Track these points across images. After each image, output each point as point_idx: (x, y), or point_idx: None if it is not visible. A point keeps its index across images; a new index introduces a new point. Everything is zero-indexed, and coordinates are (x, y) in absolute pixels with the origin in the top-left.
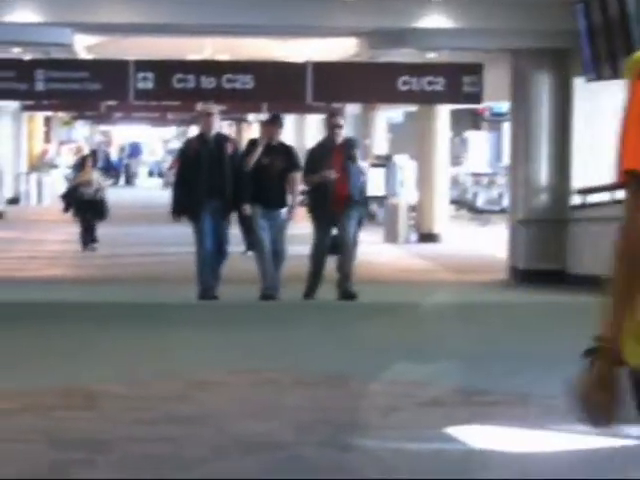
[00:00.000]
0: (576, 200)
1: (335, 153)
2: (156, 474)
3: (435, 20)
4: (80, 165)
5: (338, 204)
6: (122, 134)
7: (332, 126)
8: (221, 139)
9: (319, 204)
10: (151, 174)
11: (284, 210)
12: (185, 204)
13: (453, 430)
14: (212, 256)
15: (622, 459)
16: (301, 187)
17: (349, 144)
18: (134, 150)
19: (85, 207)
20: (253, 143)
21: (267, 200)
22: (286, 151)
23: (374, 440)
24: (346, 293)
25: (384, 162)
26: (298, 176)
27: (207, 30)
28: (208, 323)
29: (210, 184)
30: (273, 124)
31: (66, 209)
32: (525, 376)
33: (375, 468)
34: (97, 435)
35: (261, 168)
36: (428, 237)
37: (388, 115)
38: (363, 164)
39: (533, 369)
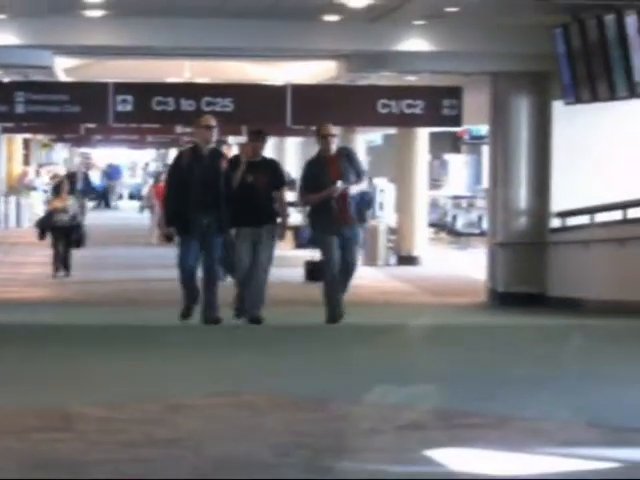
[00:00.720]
0: (555, 223)
1: (331, 165)
2: None
3: (415, 43)
4: (56, 190)
5: (341, 219)
6: (102, 156)
7: (323, 136)
8: (216, 154)
9: (322, 222)
10: (132, 197)
11: (271, 227)
12: (176, 217)
13: (433, 453)
14: (203, 280)
15: None
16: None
17: (344, 154)
18: (114, 173)
19: (60, 234)
20: (235, 161)
21: (253, 220)
22: (271, 167)
23: (353, 463)
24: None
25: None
26: (285, 193)
27: (186, 53)
28: (187, 345)
29: (202, 199)
30: (256, 139)
31: (41, 237)
32: (505, 398)
33: None
34: (75, 457)
35: (245, 186)
36: (407, 260)
37: (367, 138)
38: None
39: (513, 391)
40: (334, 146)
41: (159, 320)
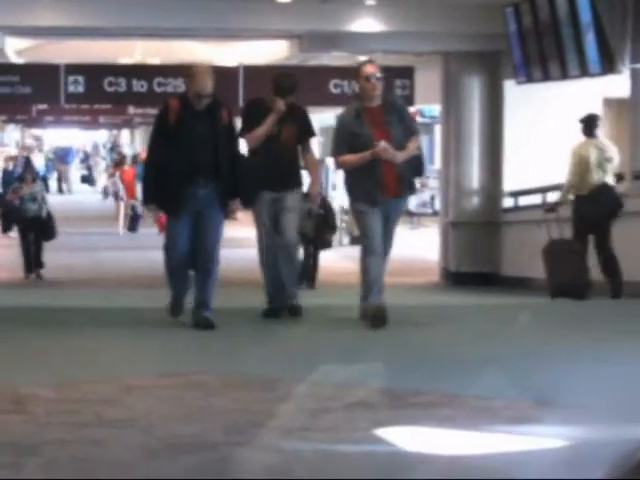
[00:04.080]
0: (508, 202)
1: (374, 119)
2: (84, 475)
3: (366, 23)
4: (21, 175)
5: (389, 190)
6: (54, 138)
7: (366, 77)
8: (215, 104)
9: (364, 190)
10: (84, 180)
11: (297, 194)
12: (160, 191)
13: (382, 432)
14: (197, 271)
15: (553, 461)
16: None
17: (391, 104)
18: (65, 156)
19: (30, 226)
20: (257, 104)
21: (275, 181)
22: (298, 114)
23: (302, 442)
24: (379, 313)
25: None
26: (313, 146)
27: (137, 33)
28: (138, 327)
29: (196, 166)
30: (289, 80)
31: (5, 229)
32: (456, 377)
33: (302, 469)
34: (25, 438)
35: (267, 140)
36: (357, 240)
37: (320, 118)
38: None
39: (464, 370)
40: (379, 92)
41: (110, 301)
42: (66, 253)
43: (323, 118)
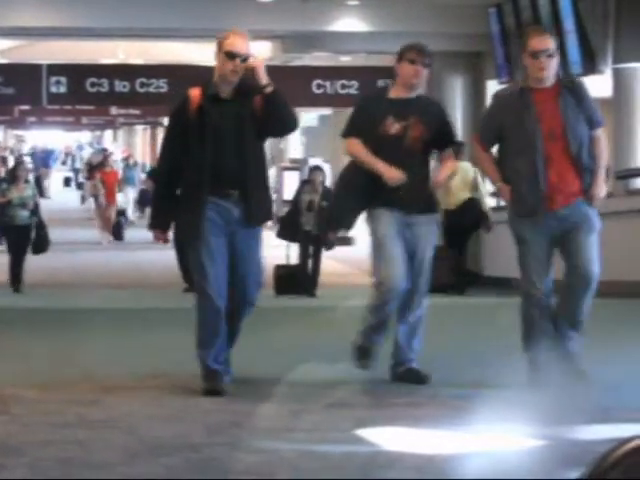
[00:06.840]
0: (491, 202)
1: (543, 103)
2: (67, 476)
3: (349, 23)
4: (11, 178)
5: (556, 196)
6: (37, 139)
7: (533, 53)
8: (247, 90)
9: (522, 200)
10: (67, 183)
11: (433, 218)
12: (172, 210)
13: (362, 432)
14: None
15: (530, 460)
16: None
17: (567, 87)
18: (46, 158)
19: (17, 235)
20: (374, 100)
21: (400, 199)
22: (432, 111)
23: (283, 442)
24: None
25: (299, 166)
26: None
27: (120, 33)
28: (120, 328)
29: (223, 172)
30: (419, 60)
31: None
32: (435, 377)
33: (284, 469)
34: (8, 439)
35: (386, 141)
36: (342, 240)
37: (303, 118)
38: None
39: (443, 370)
40: (552, 72)
41: (91, 302)
42: (50, 255)
43: (306, 118)
